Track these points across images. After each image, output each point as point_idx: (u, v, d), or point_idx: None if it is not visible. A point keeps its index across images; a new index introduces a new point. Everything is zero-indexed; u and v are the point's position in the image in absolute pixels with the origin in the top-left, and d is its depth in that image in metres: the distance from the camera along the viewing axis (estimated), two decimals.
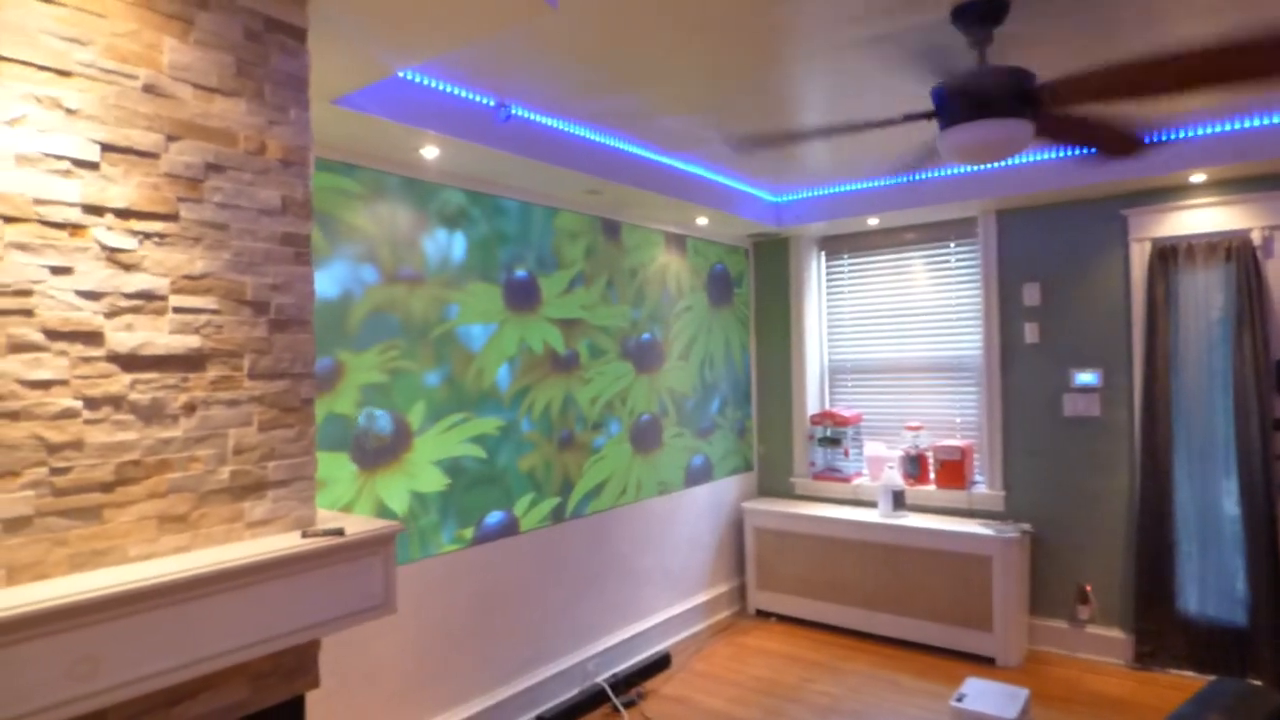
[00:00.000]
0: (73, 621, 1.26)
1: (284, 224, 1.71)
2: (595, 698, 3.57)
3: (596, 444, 3.91)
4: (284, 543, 1.58)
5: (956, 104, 2.17)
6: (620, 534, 4.02)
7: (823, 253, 5.08)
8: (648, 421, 4.27)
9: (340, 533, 1.64)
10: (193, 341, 1.55)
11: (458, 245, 3.26)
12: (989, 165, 3.89)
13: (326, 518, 1.81)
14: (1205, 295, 3.74)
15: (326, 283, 2.76)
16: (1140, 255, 3.89)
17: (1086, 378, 4.02)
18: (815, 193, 4.53)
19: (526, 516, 3.51)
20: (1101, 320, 3.99)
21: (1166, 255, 3.81)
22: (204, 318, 1.57)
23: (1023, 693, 2.85)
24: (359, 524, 1.73)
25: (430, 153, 2.94)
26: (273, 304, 1.68)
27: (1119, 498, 3.95)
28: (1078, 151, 3.68)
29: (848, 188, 4.41)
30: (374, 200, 2.94)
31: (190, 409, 1.54)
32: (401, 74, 2.61)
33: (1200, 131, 3.47)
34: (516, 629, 3.42)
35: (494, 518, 3.35)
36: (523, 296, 3.53)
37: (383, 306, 2.94)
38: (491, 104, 2.94)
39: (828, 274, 5.08)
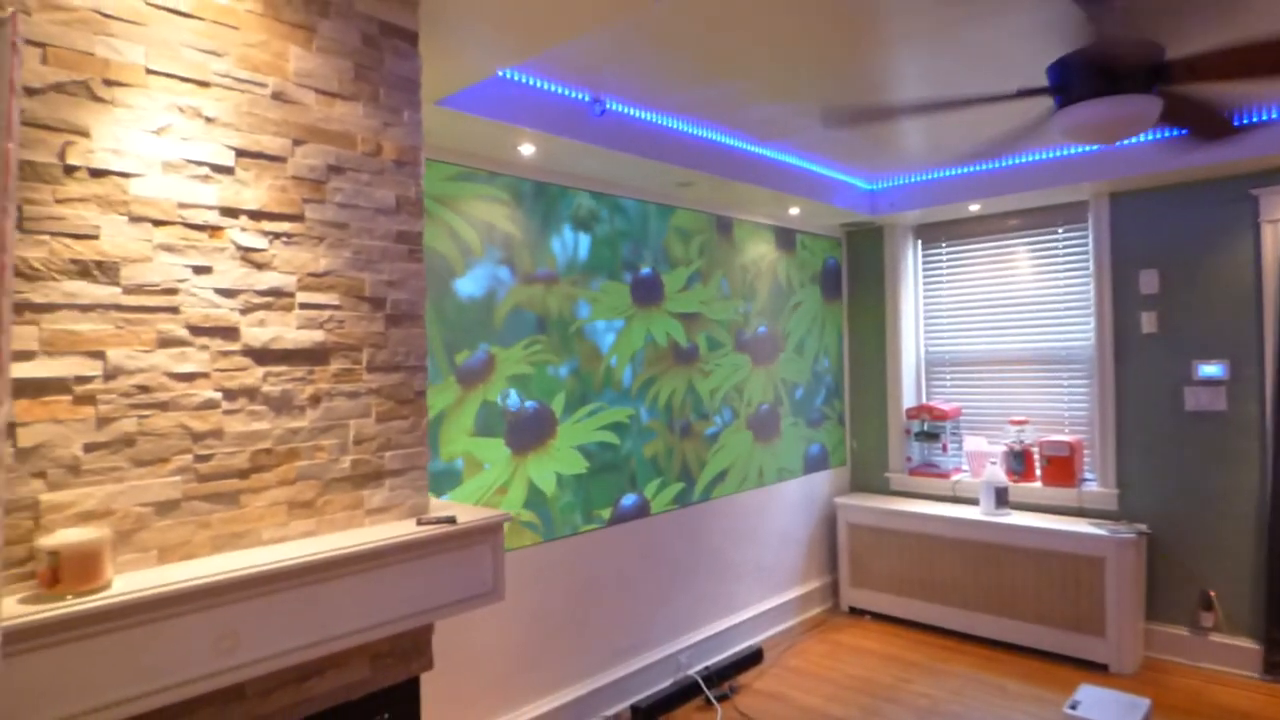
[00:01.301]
0: (218, 599, 1.35)
1: (398, 222, 1.77)
2: (688, 690, 3.58)
3: (714, 432, 4.08)
4: (401, 529, 1.65)
5: (1079, 79, 2.06)
6: (713, 527, 4.01)
7: (919, 241, 4.93)
8: (766, 411, 4.44)
9: (453, 521, 1.69)
10: (317, 336, 1.62)
11: (585, 245, 3.45)
12: (1107, 146, 3.69)
13: (438, 506, 1.87)
14: None
15: (474, 283, 3.00)
16: (1273, 237, 3.61)
17: (1211, 370, 3.76)
18: (912, 179, 4.39)
19: (656, 499, 3.73)
20: (1228, 308, 3.73)
21: None
22: (327, 313, 1.64)
23: (1143, 703, 2.70)
24: (469, 513, 1.79)
25: (527, 150, 3.00)
26: (389, 300, 1.74)
27: (1246, 498, 3.69)
28: (1174, 133, 3.44)
29: (946, 173, 4.26)
30: (515, 205, 3.16)
31: (315, 400, 1.61)
32: (500, 73, 2.67)
33: None
34: (612, 619, 3.47)
35: (629, 500, 3.59)
36: (647, 292, 3.72)
37: (522, 304, 3.16)
38: (586, 99, 2.96)
39: (924, 263, 4.92)
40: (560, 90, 2.87)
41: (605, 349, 3.50)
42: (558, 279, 3.31)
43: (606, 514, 3.47)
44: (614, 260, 3.57)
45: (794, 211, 4.35)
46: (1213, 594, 3.75)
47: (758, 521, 4.30)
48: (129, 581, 1.31)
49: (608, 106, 3.05)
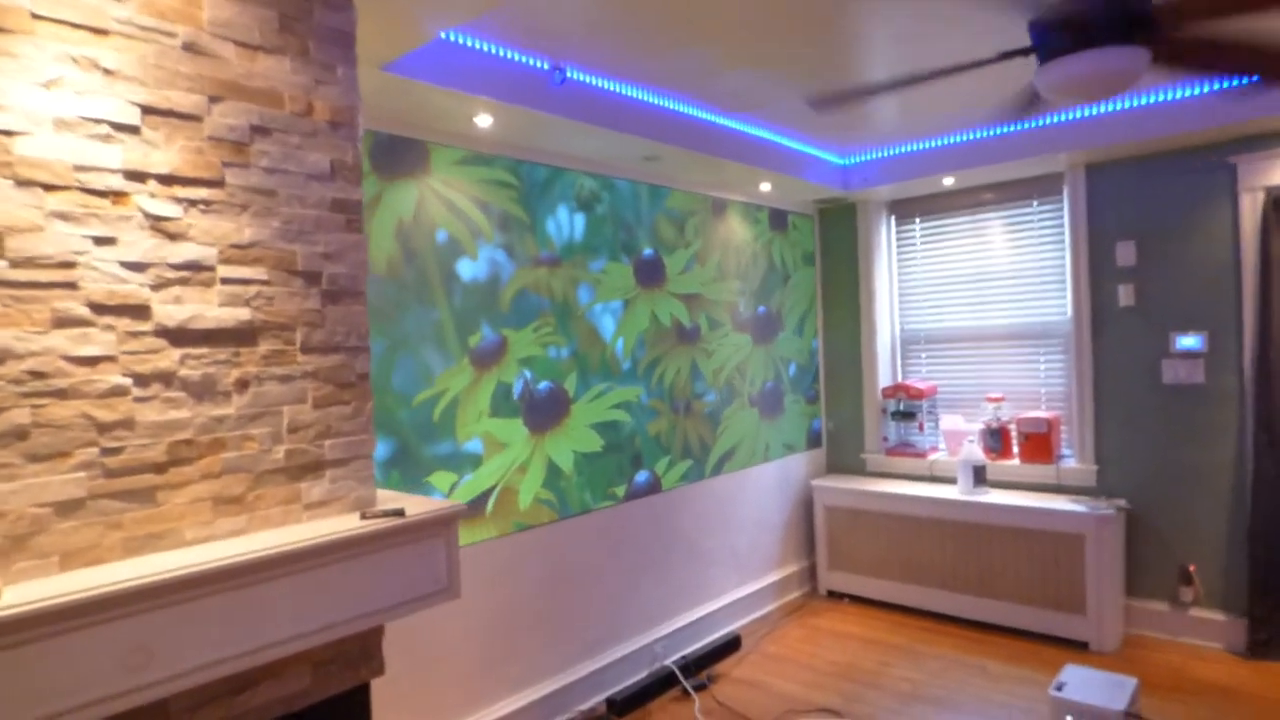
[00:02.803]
0: (126, 609, 1.20)
1: (334, 189, 1.62)
2: (664, 681, 3.48)
3: (721, 410, 4.16)
4: (343, 524, 1.50)
5: (1058, 34, 1.95)
6: (685, 513, 3.90)
7: (893, 217, 4.83)
8: (770, 389, 4.55)
9: (401, 514, 1.55)
10: (243, 314, 1.47)
11: (584, 228, 3.44)
12: (1082, 112, 3.60)
13: (387, 498, 1.73)
14: None
15: (482, 266, 3.01)
16: (1252, 206, 3.55)
17: (1189, 342, 3.71)
18: (885, 153, 4.29)
19: (666, 476, 3.80)
20: (1206, 279, 3.67)
21: None
22: (254, 289, 1.49)
23: (1130, 682, 2.64)
24: (420, 505, 1.65)
25: (484, 121, 2.84)
26: (325, 274, 1.59)
27: (1225, 472, 3.65)
28: (1225, 84, 3.33)
29: (919, 146, 4.16)
30: (518, 188, 3.15)
31: (243, 385, 1.46)
32: (452, 38, 2.51)
33: None
34: (583, 610, 3.35)
35: (642, 476, 3.67)
36: (650, 274, 3.76)
37: (529, 286, 3.17)
38: (545, 68, 2.81)
39: (898, 239, 4.83)
40: (517, 57, 2.72)
41: (611, 330, 3.53)
42: (560, 261, 3.30)
43: (622, 491, 3.56)
44: (614, 242, 3.57)
45: (765, 187, 4.23)
46: (1192, 569, 3.72)
47: (732, 506, 4.20)
48: (22, 592, 1.16)
49: (569, 75, 2.89)
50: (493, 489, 3.01)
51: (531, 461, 3.15)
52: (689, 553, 3.90)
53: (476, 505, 2.94)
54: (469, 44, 2.56)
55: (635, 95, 3.14)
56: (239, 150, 1.48)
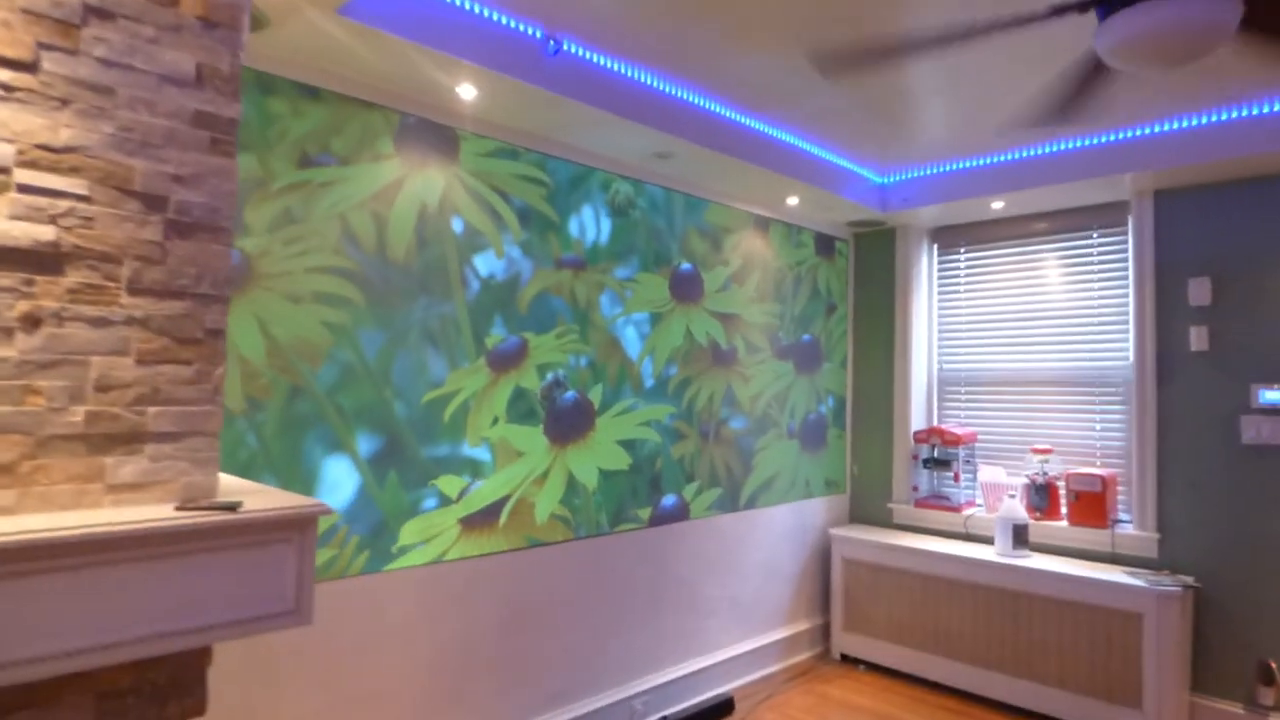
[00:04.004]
0: None
1: (199, 100, 1.31)
2: None
3: (755, 439, 3.92)
4: (149, 514, 1.16)
5: None
6: (682, 554, 3.48)
7: (934, 245, 4.41)
8: (814, 421, 4.31)
9: (233, 508, 1.20)
10: (45, 233, 1.15)
11: (616, 233, 3.26)
12: (1151, 128, 3.14)
13: (239, 489, 1.38)
14: None
15: (502, 264, 2.84)
16: None
17: (1274, 395, 3.19)
18: (928, 171, 3.90)
19: (695, 502, 3.58)
20: None
21: None
22: (65, 204, 1.17)
23: None
24: (272, 499, 1.30)
25: (467, 92, 2.55)
26: (173, 200, 1.28)
27: None
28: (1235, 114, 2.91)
29: (966, 164, 3.76)
30: (548, 186, 3.00)
31: (32, 322, 1.14)
32: None
33: None
34: (552, 651, 2.93)
35: (669, 500, 3.45)
36: (687, 288, 3.58)
37: (550, 289, 3.00)
38: (538, 35, 2.52)
39: (940, 270, 4.40)
40: (505, 20, 2.43)
41: (635, 342, 3.33)
42: (585, 265, 3.13)
43: (645, 514, 3.35)
44: (646, 251, 3.39)
45: (792, 201, 3.87)
46: (1273, 665, 3.14)
47: (738, 550, 3.76)
48: None
49: (564, 47, 2.60)
50: (507, 499, 2.80)
51: (551, 474, 2.96)
52: (683, 597, 3.46)
53: (490, 514, 2.76)
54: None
55: (641, 78, 2.83)
56: (65, 31, 1.18)
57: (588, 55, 2.66)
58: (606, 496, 3.17)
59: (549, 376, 2.95)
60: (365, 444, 2.47)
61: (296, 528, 1.27)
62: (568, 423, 3.03)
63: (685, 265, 3.56)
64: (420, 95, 2.58)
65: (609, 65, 2.72)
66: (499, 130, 2.85)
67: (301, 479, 2.30)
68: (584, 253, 3.12)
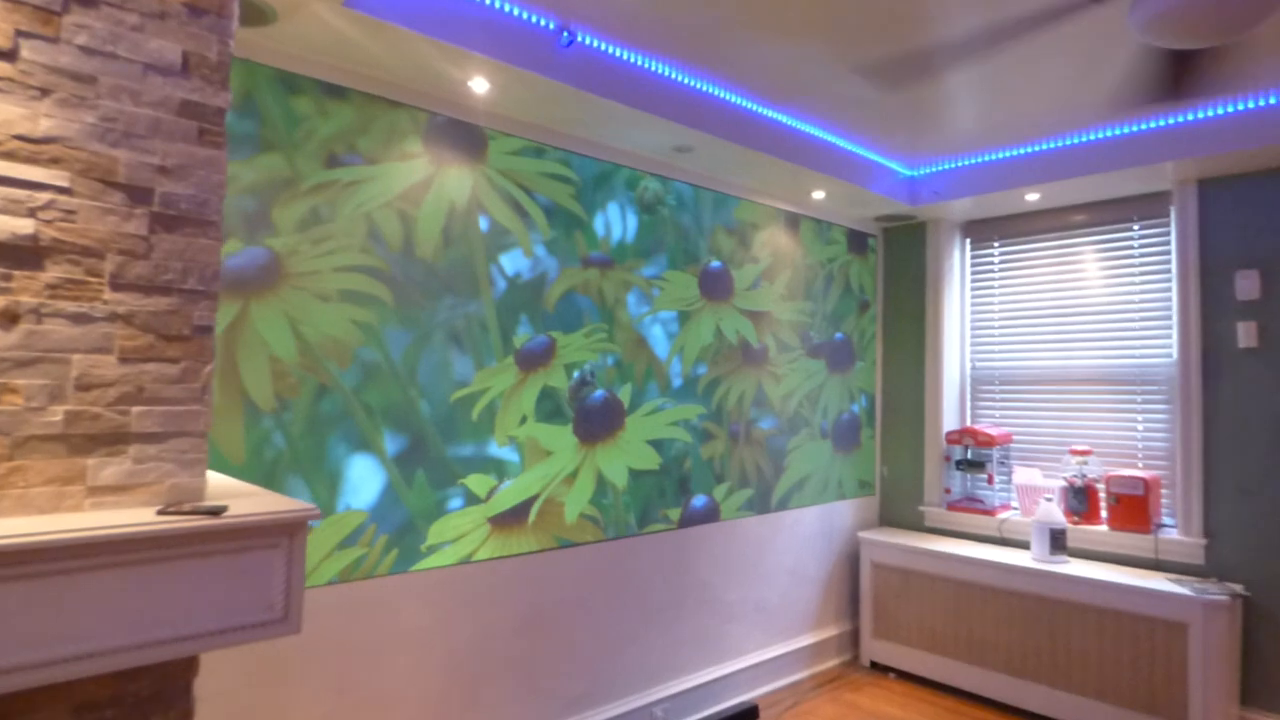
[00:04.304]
0: None
1: (186, 89, 1.26)
2: None
3: (786, 439, 3.85)
4: (128, 519, 1.11)
5: None
6: (704, 557, 3.39)
7: (967, 240, 4.28)
8: (847, 421, 4.24)
9: (218, 512, 1.15)
10: (23, 226, 1.12)
11: (636, 228, 3.19)
12: (1195, 114, 2.98)
13: (228, 491, 1.34)
14: None
15: (530, 262, 2.81)
16: None
17: None
18: (960, 163, 3.77)
19: (725, 503, 3.52)
20: None
21: None
22: (45, 196, 1.13)
23: None
24: (261, 503, 1.25)
25: (480, 86, 2.50)
26: (159, 192, 1.23)
27: None
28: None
29: (999, 155, 3.63)
30: (575, 183, 2.96)
31: (10, 319, 1.10)
32: None
33: None
34: (571, 656, 2.87)
35: (699, 501, 3.40)
36: (716, 285, 3.51)
37: (577, 288, 2.95)
38: (551, 26, 2.46)
39: (973, 265, 4.26)
40: (517, 12, 2.38)
41: (663, 340, 3.27)
42: (613, 263, 3.09)
43: (676, 514, 3.31)
44: (676, 249, 3.34)
45: (818, 195, 3.76)
46: None
47: (763, 553, 3.66)
48: None
49: (578, 38, 2.54)
50: (535, 498, 2.78)
51: (580, 473, 2.93)
52: (706, 600, 3.38)
53: (519, 513, 2.74)
54: None
55: (658, 69, 2.76)
56: (45, 19, 1.14)
57: (602, 46, 2.60)
58: (634, 497, 3.13)
59: (576, 374, 2.92)
60: (392, 443, 2.45)
61: (285, 533, 1.22)
62: (597, 421, 2.99)
63: (715, 263, 3.50)
64: (437, 91, 2.54)
65: (624, 56, 2.66)
66: (525, 129, 2.82)
67: (327, 478, 2.29)
68: (610, 251, 3.08)
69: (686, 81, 2.85)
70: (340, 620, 2.28)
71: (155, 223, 1.22)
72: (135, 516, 1.12)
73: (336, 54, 2.28)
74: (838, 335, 4.17)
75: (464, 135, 2.65)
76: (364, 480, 2.38)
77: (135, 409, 1.19)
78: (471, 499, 2.63)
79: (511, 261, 2.77)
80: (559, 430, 2.87)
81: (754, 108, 3.10)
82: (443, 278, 2.58)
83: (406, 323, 2.48)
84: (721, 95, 2.97)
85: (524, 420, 2.77)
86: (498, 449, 2.70)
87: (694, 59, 2.71)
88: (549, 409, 2.85)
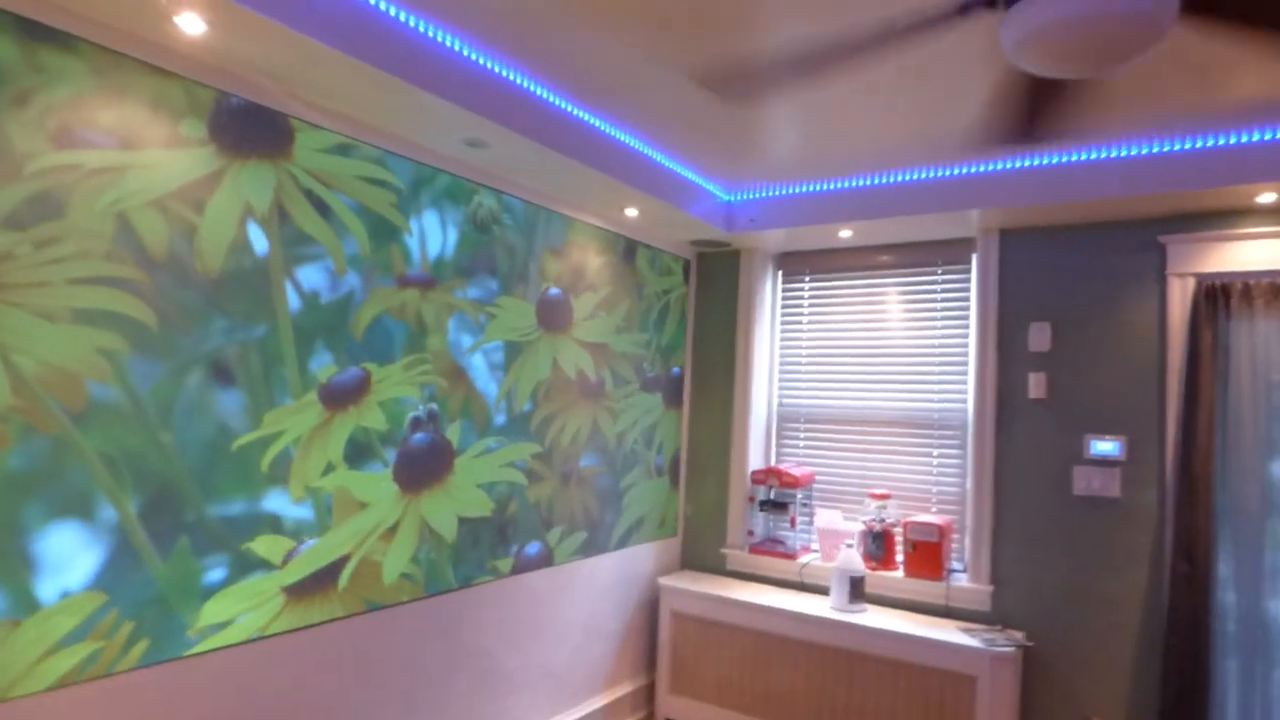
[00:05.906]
0: None
1: None
2: None
3: (620, 477, 3.64)
4: None
5: None
6: (484, 621, 2.92)
7: (779, 272, 4.16)
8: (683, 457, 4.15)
9: None
10: None
11: (456, 244, 2.79)
12: (1000, 164, 2.97)
13: None
14: (1266, 350, 2.89)
15: (337, 281, 2.38)
16: (1180, 294, 3.04)
17: (1105, 447, 3.12)
18: (779, 192, 3.61)
19: (559, 548, 3.27)
20: (1128, 375, 3.11)
21: (1215, 296, 2.96)
22: None
23: None
24: None
25: (191, 25, 1.89)
26: None
27: (1137, 603, 3.03)
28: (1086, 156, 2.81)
29: (818, 187, 3.50)
30: (397, 191, 2.57)
31: None
32: None
33: (1272, 136, 2.65)
34: None
35: (533, 548, 3.13)
36: (553, 315, 3.24)
37: (392, 311, 2.55)
38: None
39: (784, 299, 4.14)
40: None
41: (490, 373, 2.92)
42: (434, 284, 2.70)
43: (508, 565, 2.99)
44: (508, 273, 3.00)
45: (631, 213, 3.44)
46: None
47: (552, 609, 3.25)
48: None
49: None
50: (346, 558, 2.34)
51: (401, 526, 2.56)
52: (480, 672, 2.90)
53: (324, 578, 2.30)
54: None
55: (449, 43, 2.29)
56: None
57: (378, 3, 2.09)
58: (454, 549, 2.78)
59: (411, 415, 2.59)
60: (138, 503, 1.86)
61: None
62: (422, 466, 2.63)
63: (553, 290, 3.22)
64: (139, 29, 1.89)
65: (405, 19, 2.16)
66: (336, 120, 2.37)
67: (13, 555, 1.65)
68: (430, 268, 2.69)
69: (482, 62, 2.40)
70: None
71: None
72: None
73: None
74: (674, 370, 4.03)
75: (263, 122, 2.14)
76: (68, 558, 1.76)
77: None
78: (263, 565, 2.12)
79: (314, 279, 2.31)
80: (375, 478, 2.47)
81: (561, 104, 2.72)
82: (224, 296, 2.04)
83: (167, 352, 1.92)
84: (524, 84, 2.56)
85: (330, 469, 2.33)
86: (294, 504, 2.23)
87: (492, 38, 2.27)
88: (362, 454, 2.42)
